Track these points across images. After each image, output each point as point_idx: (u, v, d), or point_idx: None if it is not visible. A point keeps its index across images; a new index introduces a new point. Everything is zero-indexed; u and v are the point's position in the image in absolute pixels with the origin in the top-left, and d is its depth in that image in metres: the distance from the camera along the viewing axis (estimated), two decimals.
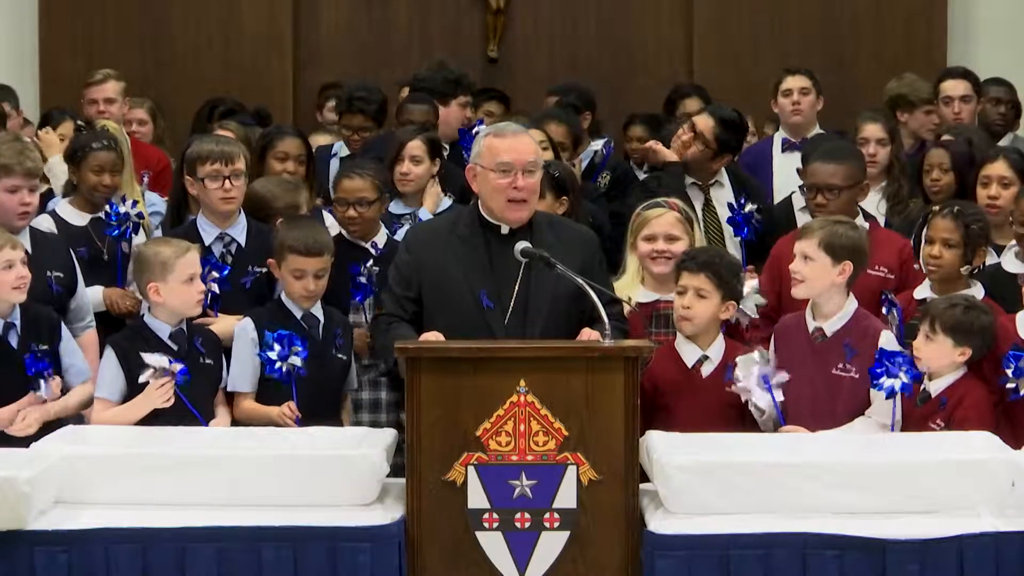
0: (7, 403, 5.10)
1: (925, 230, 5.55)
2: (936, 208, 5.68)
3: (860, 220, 5.91)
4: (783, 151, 7.60)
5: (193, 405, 5.10)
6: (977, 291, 5.38)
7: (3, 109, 7.40)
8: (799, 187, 6.27)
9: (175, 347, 5.18)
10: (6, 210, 5.48)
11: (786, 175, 7.12)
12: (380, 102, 7.49)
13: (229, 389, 5.33)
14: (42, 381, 5.09)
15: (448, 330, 4.91)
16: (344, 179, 5.98)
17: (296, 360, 5.13)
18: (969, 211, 5.52)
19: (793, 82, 7.68)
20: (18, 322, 5.16)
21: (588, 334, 4.85)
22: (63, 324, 5.33)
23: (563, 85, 8.38)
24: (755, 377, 5.10)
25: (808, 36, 9.19)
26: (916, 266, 5.80)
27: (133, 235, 5.89)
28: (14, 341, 5.14)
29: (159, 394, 5.04)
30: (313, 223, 5.69)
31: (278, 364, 5.13)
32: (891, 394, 4.91)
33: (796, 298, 5.26)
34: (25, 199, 5.52)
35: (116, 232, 5.86)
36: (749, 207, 6.35)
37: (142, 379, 5.05)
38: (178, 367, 5.06)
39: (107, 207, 5.91)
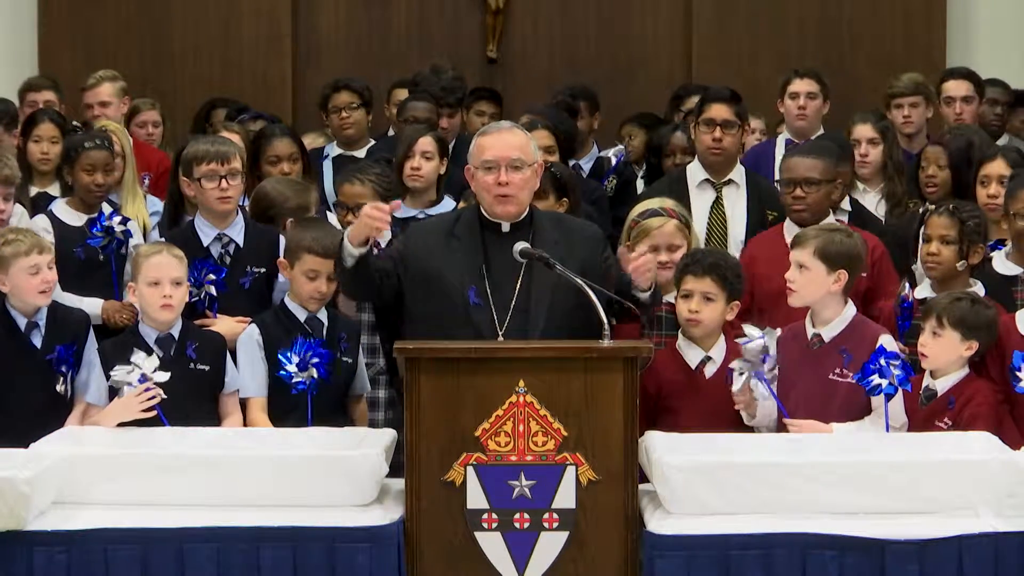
0: (28, 403, 5.11)
1: (923, 229, 5.54)
2: (933, 207, 5.68)
3: (832, 218, 5.90)
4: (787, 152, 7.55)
5: (180, 411, 5.01)
6: (977, 290, 5.37)
7: (12, 110, 7.37)
8: (776, 183, 6.23)
9: (160, 353, 5.14)
10: None
11: None
12: (365, 84, 7.76)
13: (241, 396, 5.30)
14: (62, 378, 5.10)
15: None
16: (345, 184, 5.97)
17: (314, 372, 5.08)
18: (965, 208, 5.51)
19: (801, 85, 7.48)
20: (42, 322, 5.17)
21: None
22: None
23: (565, 86, 8.34)
24: (750, 373, 5.07)
25: (807, 36, 9.18)
26: (914, 266, 5.81)
27: (116, 251, 5.85)
28: (37, 341, 5.15)
29: (139, 404, 4.96)
30: (327, 225, 5.64)
31: (296, 379, 5.08)
32: (871, 390, 4.87)
33: (792, 306, 5.23)
34: None
35: (99, 243, 5.84)
36: None
37: (126, 381, 4.96)
38: (150, 365, 4.94)
39: (97, 216, 5.89)
